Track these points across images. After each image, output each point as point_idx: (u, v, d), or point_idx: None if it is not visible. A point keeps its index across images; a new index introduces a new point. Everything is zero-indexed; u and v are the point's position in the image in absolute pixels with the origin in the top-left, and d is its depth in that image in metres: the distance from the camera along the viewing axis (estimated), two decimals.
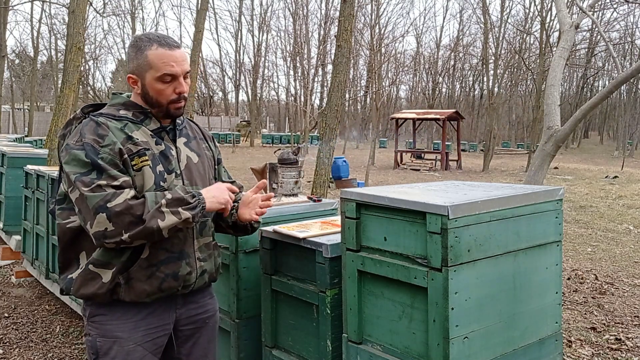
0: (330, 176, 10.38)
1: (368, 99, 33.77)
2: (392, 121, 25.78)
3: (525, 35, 28.62)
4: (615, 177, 17.35)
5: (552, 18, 23.01)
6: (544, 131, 5.09)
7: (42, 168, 4.69)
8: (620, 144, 37.30)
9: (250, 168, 3.28)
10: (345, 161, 14.19)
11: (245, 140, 35.86)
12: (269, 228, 2.28)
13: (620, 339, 3.84)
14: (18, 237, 5.29)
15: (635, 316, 4.37)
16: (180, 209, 1.56)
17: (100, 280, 1.62)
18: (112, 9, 34.33)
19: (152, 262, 1.64)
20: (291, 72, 39.56)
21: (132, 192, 1.56)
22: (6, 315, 4.22)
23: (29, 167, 4.86)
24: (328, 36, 30.32)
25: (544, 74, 19.52)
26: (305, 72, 30.13)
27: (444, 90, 46.65)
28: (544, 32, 23.00)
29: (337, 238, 2.07)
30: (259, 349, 2.41)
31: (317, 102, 37.84)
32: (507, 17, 30.62)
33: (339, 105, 8.42)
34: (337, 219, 2.50)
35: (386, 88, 32.73)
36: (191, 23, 54.90)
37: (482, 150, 28.90)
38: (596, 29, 24.51)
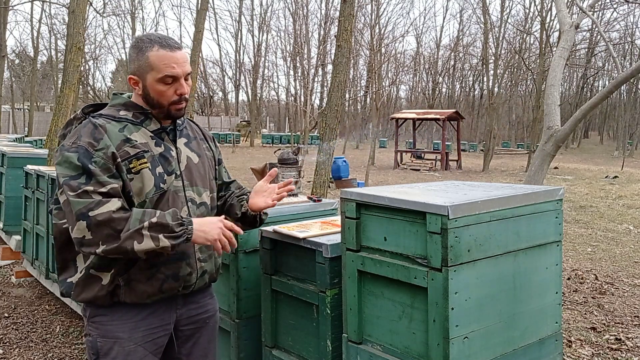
0: (330, 176, 10.38)
1: (368, 99, 33.75)
2: (392, 121, 25.77)
3: (525, 35, 28.62)
4: (615, 177, 17.35)
5: (552, 18, 23.02)
6: (544, 131, 5.09)
7: (42, 168, 4.69)
8: (620, 144, 37.30)
9: (250, 168, 3.28)
10: (345, 161, 14.19)
11: (245, 140, 35.86)
12: (269, 228, 2.28)
13: (620, 339, 3.84)
14: (18, 237, 5.29)
15: (635, 316, 4.37)
16: (161, 236, 1.53)
17: (100, 283, 1.62)
18: (112, 9, 34.39)
19: (152, 263, 1.64)
20: (291, 72, 39.59)
21: (118, 203, 1.53)
22: (6, 315, 4.22)
23: (29, 167, 4.86)
24: (328, 36, 30.32)
25: (544, 74, 19.52)
26: (305, 72, 30.12)
27: (444, 90, 46.68)
28: (544, 32, 22.99)
29: (337, 238, 2.07)
30: (259, 349, 2.41)
31: (317, 102, 37.87)
32: (507, 17, 30.65)
33: (339, 105, 8.42)
34: (337, 219, 2.50)
35: (386, 88, 32.71)
36: (191, 23, 54.94)
37: (482, 150, 28.90)
38: (596, 29, 24.52)
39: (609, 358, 3.56)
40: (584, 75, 39.31)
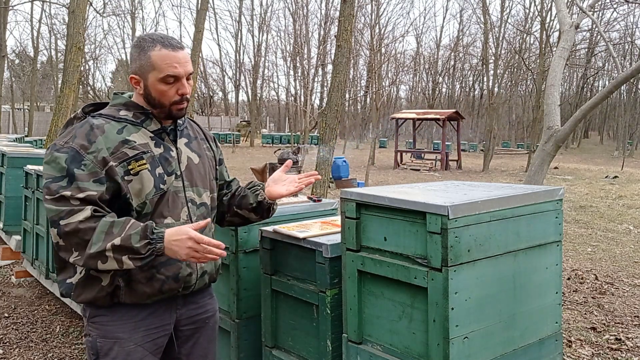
0: (330, 176, 10.38)
1: (368, 99, 33.76)
2: (392, 121, 25.78)
3: (525, 35, 28.62)
4: (615, 177, 17.35)
5: (552, 18, 23.02)
6: (544, 131, 5.09)
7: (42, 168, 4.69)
8: (620, 144, 37.29)
9: (250, 168, 3.28)
10: (345, 161, 14.19)
11: (245, 140, 35.86)
12: (269, 228, 2.28)
13: (620, 339, 3.84)
14: (18, 237, 5.29)
15: (635, 316, 4.37)
16: (124, 258, 1.50)
17: (100, 284, 1.62)
18: (112, 9, 34.38)
19: (152, 264, 1.63)
20: (291, 72, 39.60)
21: (87, 212, 1.51)
22: (6, 315, 4.22)
23: (29, 167, 4.86)
24: (328, 36, 30.32)
25: (544, 74, 19.52)
26: (305, 72, 30.13)
27: (444, 90, 46.70)
28: (544, 32, 23.00)
29: (337, 238, 2.07)
30: (259, 349, 2.41)
31: (317, 102, 37.88)
32: (507, 17, 30.64)
33: (339, 105, 8.42)
34: (337, 219, 2.50)
35: (386, 88, 32.73)
36: (191, 23, 54.92)
37: (482, 150, 28.90)
38: (596, 29, 24.52)
39: (609, 358, 3.56)
40: (584, 75, 39.30)
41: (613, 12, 32.47)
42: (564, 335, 3.20)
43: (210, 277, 1.82)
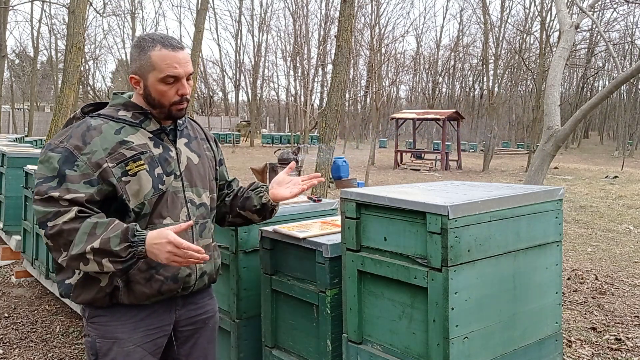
0: (330, 176, 10.38)
1: (368, 99, 33.76)
2: (392, 121, 25.78)
3: (525, 35, 28.63)
4: (615, 177, 17.35)
5: (552, 18, 23.03)
6: (544, 131, 5.09)
7: None
8: (620, 144, 37.29)
9: (251, 168, 3.29)
10: (345, 161, 14.19)
11: (245, 140, 35.86)
12: (269, 228, 2.28)
13: (620, 339, 3.84)
14: (18, 237, 5.29)
15: (635, 316, 4.37)
16: (104, 261, 1.50)
17: (99, 284, 1.62)
18: (112, 9, 34.38)
19: (151, 265, 1.63)
20: (291, 72, 39.59)
21: (72, 214, 1.51)
22: (6, 315, 4.22)
23: (29, 167, 4.85)
24: (328, 36, 30.31)
25: (544, 74, 19.52)
26: (305, 72, 30.13)
27: (444, 90, 46.72)
28: (544, 32, 23.01)
29: (337, 238, 2.07)
30: (259, 349, 2.41)
31: (317, 102, 37.88)
32: (507, 17, 30.67)
33: (339, 105, 8.42)
34: (337, 219, 2.50)
35: (386, 88, 32.71)
36: (191, 23, 54.91)
37: (482, 150, 28.90)
38: (596, 29, 24.52)
39: (609, 358, 3.56)
40: (584, 75, 39.29)
41: (613, 12, 32.51)
42: (564, 335, 3.20)
43: (210, 277, 1.82)
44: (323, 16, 35.25)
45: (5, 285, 5.02)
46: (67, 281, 1.67)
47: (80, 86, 26.95)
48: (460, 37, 40.71)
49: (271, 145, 33.97)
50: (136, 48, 1.66)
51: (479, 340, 1.72)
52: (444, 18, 78.97)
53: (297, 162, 2.81)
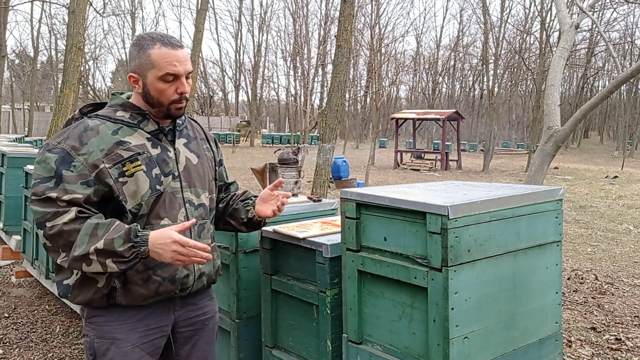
0: (330, 176, 10.38)
1: (368, 99, 33.75)
2: (392, 121, 25.77)
3: (525, 35, 28.61)
4: (615, 177, 17.35)
5: (552, 18, 23.02)
6: (544, 131, 5.09)
7: None
8: (620, 144, 37.27)
9: (250, 168, 3.29)
10: (345, 161, 14.19)
11: (245, 140, 35.86)
12: (269, 228, 2.28)
13: (620, 339, 3.84)
14: (18, 237, 5.29)
15: (635, 316, 4.37)
16: (108, 261, 1.50)
17: (96, 285, 1.62)
18: (112, 9, 34.38)
19: (149, 265, 1.62)
20: (291, 72, 39.60)
21: (72, 214, 1.51)
22: (6, 315, 4.22)
23: (29, 167, 4.85)
24: (328, 36, 30.31)
25: (544, 74, 19.52)
26: (305, 72, 30.14)
27: (444, 90, 46.73)
28: (544, 32, 23.00)
29: (337, 238, 2.07)
30: (259, 349, 2.41)
31: (317, 102, 37.88)
32: (507, 17, 30.64)
33: (339, 105, 8.42)
34: (337, 219, 2.50)
35: (386, 88, 32.70)
36: (191, 23, 54.89)
37: (482, 150, 28.90)
38: (596, 29, 24.52)
39: (609, 358, 3.56)
40: (584, 75, 39.28)
41: (613, 12, 32.52)
42: (564, 335, 3.20)
43: (209, 278, 1.81)
44: (323, 16, 35.28)
45: (5, 285, 5.02)
46: (65, 282, 1.67)
47: (80, 86, 26.94)
48: (460, 37, 40.77)
49: (271, 145, 33.99)
50: (135, 46, 1.66)
51: (479, 340, 1.72)
52: (444, 18, 78.92)
53: (297, 162, 2.79)
